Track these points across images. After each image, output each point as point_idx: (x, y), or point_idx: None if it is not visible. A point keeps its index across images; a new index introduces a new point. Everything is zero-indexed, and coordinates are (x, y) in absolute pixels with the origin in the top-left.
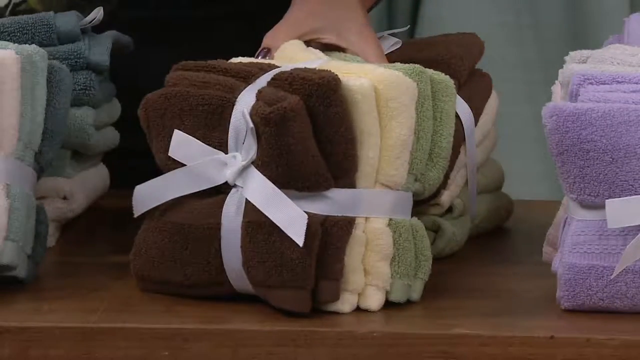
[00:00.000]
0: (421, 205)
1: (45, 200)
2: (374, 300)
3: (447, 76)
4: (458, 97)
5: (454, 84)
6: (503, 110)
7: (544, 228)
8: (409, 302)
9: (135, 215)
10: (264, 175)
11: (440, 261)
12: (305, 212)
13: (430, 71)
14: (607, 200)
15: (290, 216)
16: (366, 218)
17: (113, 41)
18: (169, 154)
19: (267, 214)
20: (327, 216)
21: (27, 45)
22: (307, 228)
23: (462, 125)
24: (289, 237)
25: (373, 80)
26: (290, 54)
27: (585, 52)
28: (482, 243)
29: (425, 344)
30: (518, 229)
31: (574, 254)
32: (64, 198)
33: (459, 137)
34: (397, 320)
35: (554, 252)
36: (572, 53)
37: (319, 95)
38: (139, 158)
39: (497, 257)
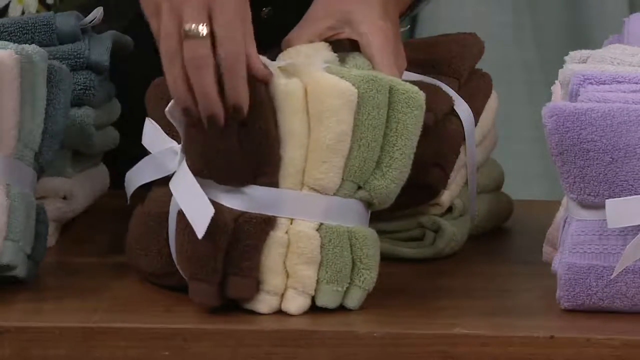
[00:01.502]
0: (421, 205)
1: (45, 200)
2: (294, 303)
3: (416, 89)
4: (458, 97)
5: (454, 84)
6: (503, 110)
7: (544, 228)
8: (408, 303)
9: (128, 203)
10: (187, 165)
11: (440, 261)
12: (221, 205)
13: (397, 81)
14: (607, 200)
15: (197, 207)
16: (291, 220)
17: (113, 41)
18: (142, 142)
19: (179, 202)
20: (243, 212)
21: (27, 45)
22: (216, 222)
23: (462, 125)
24: None
25: (306, 82)
26: (296, 55)
27: (585, 52)
28: (482, 243)
29: (425, 344)
30: (518, 229)
31: (574, 254)
32: (64, 198)
33: (459, 137)
34: (397, 320)
35: (554, 252)
36: (572, 53)
37: None
38: (138, 158)
39: (497, 257)
